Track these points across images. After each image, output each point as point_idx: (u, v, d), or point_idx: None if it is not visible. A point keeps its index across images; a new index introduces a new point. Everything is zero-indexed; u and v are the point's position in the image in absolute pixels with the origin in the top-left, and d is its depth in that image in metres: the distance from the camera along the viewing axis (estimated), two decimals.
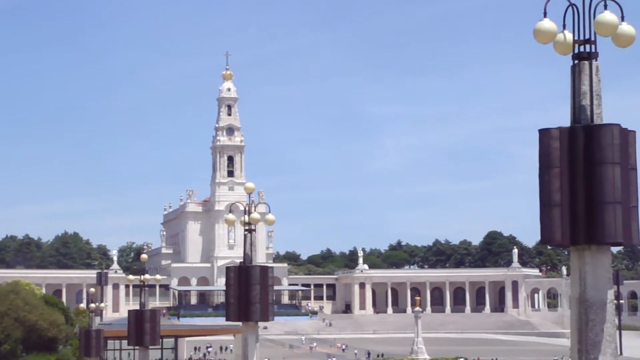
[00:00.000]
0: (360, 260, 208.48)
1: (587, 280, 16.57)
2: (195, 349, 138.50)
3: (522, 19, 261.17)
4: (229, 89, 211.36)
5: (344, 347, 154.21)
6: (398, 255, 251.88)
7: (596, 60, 15.93)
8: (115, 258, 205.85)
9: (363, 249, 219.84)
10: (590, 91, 15.92)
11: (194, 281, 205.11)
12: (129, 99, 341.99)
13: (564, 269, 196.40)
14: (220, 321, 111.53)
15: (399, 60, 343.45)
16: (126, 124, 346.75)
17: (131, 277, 58.12)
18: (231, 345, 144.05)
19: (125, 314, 61.79)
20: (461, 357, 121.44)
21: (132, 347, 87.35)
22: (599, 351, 16.84)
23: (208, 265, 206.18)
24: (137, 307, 61.30)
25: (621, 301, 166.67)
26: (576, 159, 15.86)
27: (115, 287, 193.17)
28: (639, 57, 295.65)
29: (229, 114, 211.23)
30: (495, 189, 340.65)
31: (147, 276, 62.03)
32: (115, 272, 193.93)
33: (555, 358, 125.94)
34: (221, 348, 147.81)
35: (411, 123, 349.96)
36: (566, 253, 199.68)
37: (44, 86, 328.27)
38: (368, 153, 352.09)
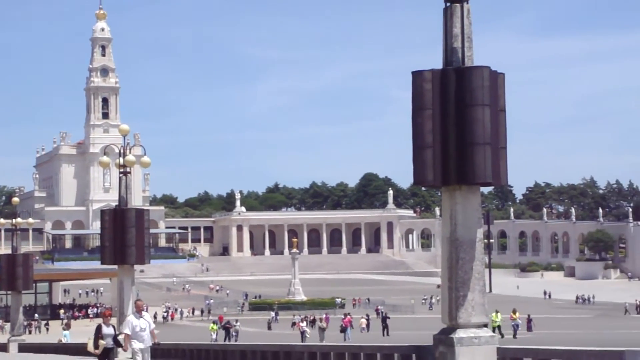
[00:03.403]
0: (238, 203, 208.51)
1: (458, 220, 16.94)
2: (64, 291, 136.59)
3: None
4: (102, 29, 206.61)
5: (217, 288, 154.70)
6: (275, 197, 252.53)
7: (467, 3, 16.13)
8: None
9: (240, 192, 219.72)
10: (461, 34, 16.12)
11: (68, 225, 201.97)
12: (4, 40, 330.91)
13: (437, 210, 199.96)
14: (96, 265, 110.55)
15: (276, 3, 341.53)
16: None
17: (2, 220, 56.53)
18: (101, 288, 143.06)
19: None
20: (337, 297, 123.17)
21: (4, 292, 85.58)
22: (468, 288, 17.30)
23: (83, 208, 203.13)
24: (9, 252, 59.97)
25: (491, 240, 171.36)
26: (448, 101, 16.09)
27: None
28: (510, 0, 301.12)
29: (103, 55, 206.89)
30: (371, 132, 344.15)
31: (19, 220, 60.78)
32: None
33: (425, 297, 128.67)
34: (93, 291, 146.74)
35: (288, 66, 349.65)
36: (439, 194, 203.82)
37: None
38: (246, 96, 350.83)
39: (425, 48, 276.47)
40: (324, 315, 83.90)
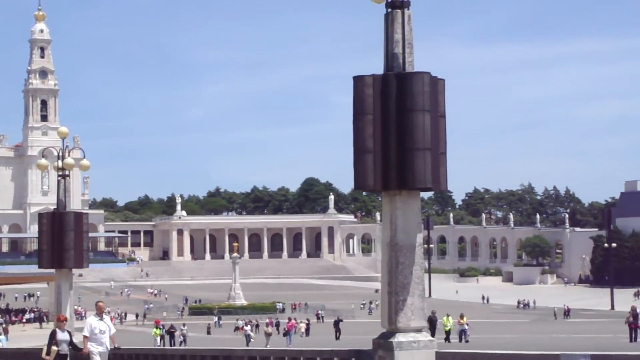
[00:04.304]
0: (178, 207, 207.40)
1: (398, 225, 17.02)
2: (0, 295, 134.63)
3: None
4: (41, 31, 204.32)
5: (155, 292, 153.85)
6: (216, 201, 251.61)
7: (408, 9, 16.23)
8: None
9: (181, 196, 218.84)
10: (402, 40, 16.21)
11: (5, 228, 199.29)
12: None
13: (378, 215, 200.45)
14: (33, 269, 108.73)
15: (218, 6, 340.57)
16: None
17: None
18: (38, 292, 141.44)
19: None
20: (278, 302, 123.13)
21: None
22: (408, 293, 17.38)
23: (20, 211, 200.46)
24: None
25: (431, 245, 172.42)
26: (388, 106, 16.16)
27: None
28: (451, 7, 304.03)
29: (42, 57, 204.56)
30: (312, 136, 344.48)
31: None
32: None
33: (364, 302, 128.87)
34: (30, 295, 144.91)
35: (231, 70, 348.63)
36: (380, 199, 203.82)
37: None
38: (187, 99, 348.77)
39: (366, 53, 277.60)
40: (268, 320, 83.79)
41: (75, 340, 21.93)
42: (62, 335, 21.44)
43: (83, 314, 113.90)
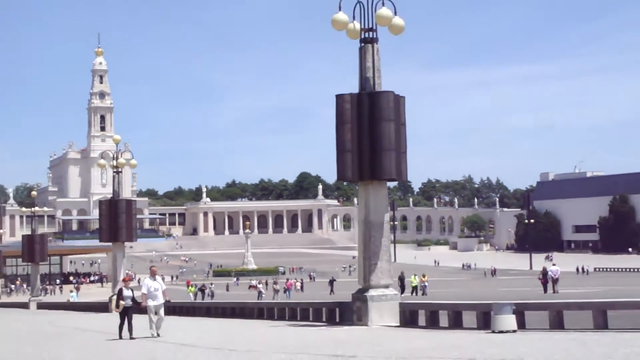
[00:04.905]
0: (204, 195, 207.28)
1: (370, 207, 17.08)
2: (71, 262, 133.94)
3: (323, 12, 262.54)
4: (100, 63, 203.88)
5: (186, 259, 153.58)
6: (233, 191, 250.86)
7: (377, 43, 16.28)
8: (11, 194, 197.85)
9: (206, 186, 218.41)
10: (373, 67, 16.27)
11: (74, 212, 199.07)
12: (26, 71, 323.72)
13: (355, 200, 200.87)
14: (96, 242, 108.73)
15: (235, 41, 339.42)
16: (19, 91, 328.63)
17: (24, 209, 55.95)
18: (99, 260, 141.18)
19: (20, 238, 59.01)
20: (280, 266, 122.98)
21: (26, 264, 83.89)
22: (378, 258, 17.46)
23: (85, 199, 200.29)
24: (29, 233, 58.78)
25: (395, 222, 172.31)
26: (362, 117, 16.23)
27: (12, 217, 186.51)
28: (408, 42, 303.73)
29: (101, 82, 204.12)
30: (305, 140, 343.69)
31: (36, 208, 59.66)
32: (12, 205, 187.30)
33: (345, 266, 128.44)
34: (93, 262, 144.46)
35: (243, 90, 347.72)
36: (357, 187, 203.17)
37: None
38: (210, 112, 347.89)
39: (345, 77, 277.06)
40: (274, 280, 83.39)
41: (135, 295, 21.86)
42: (127, 292, 21.36)
43: (133, 277, 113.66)
